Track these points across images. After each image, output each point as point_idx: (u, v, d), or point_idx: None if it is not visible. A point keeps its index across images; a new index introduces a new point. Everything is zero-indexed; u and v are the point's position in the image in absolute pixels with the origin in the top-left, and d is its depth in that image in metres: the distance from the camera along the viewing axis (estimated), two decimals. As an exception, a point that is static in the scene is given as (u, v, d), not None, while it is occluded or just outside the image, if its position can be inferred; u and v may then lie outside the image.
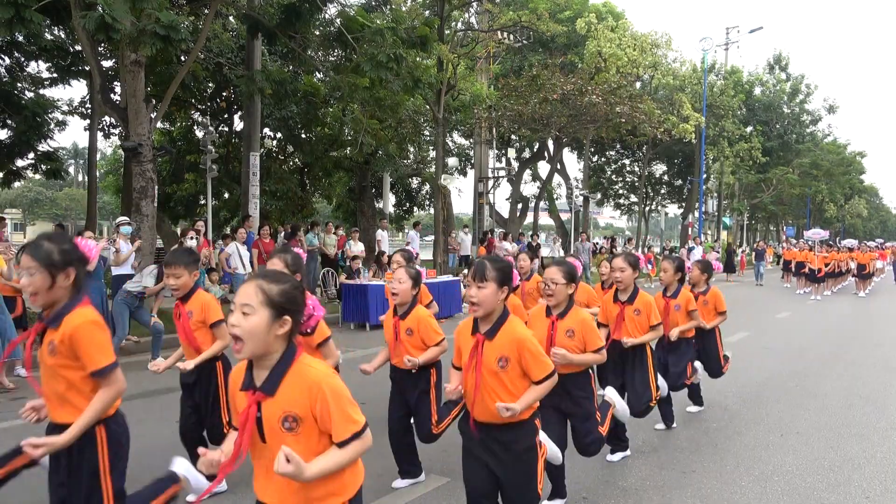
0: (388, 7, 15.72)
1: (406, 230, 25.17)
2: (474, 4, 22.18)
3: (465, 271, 16.74)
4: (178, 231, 18.85)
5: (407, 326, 4.12)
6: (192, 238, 9.62)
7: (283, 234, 14.61)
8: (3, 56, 17.24)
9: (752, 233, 54.89)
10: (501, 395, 2.84)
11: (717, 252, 27.87)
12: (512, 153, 29.99)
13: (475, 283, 2.88)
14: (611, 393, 4.46)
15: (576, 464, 4.77)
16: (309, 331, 3.64)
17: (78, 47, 16.49)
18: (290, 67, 18.48)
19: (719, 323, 6.11)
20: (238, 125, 20.55)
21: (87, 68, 16.57)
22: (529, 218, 37.85)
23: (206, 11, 13.96)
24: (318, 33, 13.99)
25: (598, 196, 43.74)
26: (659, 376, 5.04)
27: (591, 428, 3.90)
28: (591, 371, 3.99)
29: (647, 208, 46.54)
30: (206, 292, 4.24)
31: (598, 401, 4.13)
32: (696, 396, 6.36)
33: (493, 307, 2.88)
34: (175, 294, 4.08)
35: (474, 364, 2.89)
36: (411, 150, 24.94)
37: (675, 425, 5.71)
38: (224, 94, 19.82)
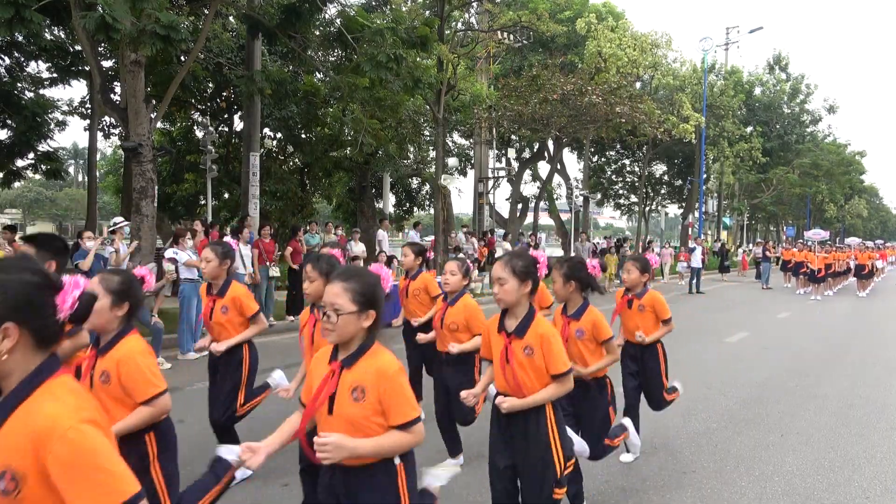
0: (388, 7, 15.74)
1: (406, 230, 25.16)
2: (474, 4, 22.17)
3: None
4: (174, 231, 18.85)
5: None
6: (189, 238, 9.61)
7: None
8: (3, 56, 17.25)
9: (752, 233, 54.86)
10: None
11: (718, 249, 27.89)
12: (512, 153, 30.00)
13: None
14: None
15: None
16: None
17: (78, 47, 16.50)
18: (290, 67, 18.49)
19: (662, 335, 4.81)
20: (238, 125, 20.55)
21: (87, 68, 16.58)
22: (529, 218, 37.86)
23: (206, 11, 13.96)
24: (318, 33, 13.99)
25: (598, 196, 43.73)
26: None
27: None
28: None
29: (647, 208, 46.54)
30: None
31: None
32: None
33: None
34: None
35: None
36: (411, 150, 24.94)
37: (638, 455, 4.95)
38: (224, 94, 19.82)
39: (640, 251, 23.30)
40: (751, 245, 41.41)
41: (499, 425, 3.11)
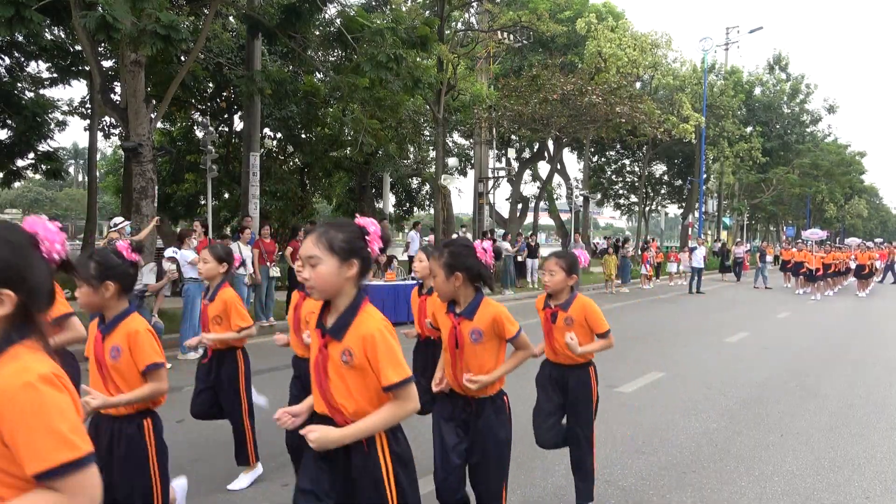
0: (388, 7, 15.74)
1: (406, 230, 25.16)
2: (474, 4, 22.17)
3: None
4: (178, 231, 18.86)
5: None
6: (203, 232, 9.66)
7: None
8: (3, 56, 17.25)
9: (751, 233, 54.88)
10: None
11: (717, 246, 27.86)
12: (512, 153, 29.98)
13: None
14: None
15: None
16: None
17: (78, 47, 16.49)
18: (290, 67, 18.48)
19: (598, 350, 3.73)
20: (238, 125, 20.55)
21: (87, 68, 16.57)
22: (529, 218, 37.86)
23: (206, 11, 13.95)
24: (318, 33, 13.99)
25: (598, 196, 43.76)
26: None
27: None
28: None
29: (647, 208, 46.55)
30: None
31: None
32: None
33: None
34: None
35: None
36: (411, 150, 24.95)
37: None
38: (224, 94, 19.82)
39: (640, 251, 23.26)
40: (748, 244, 41.37)
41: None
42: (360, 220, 2.21)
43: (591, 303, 3.73)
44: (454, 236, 19.65)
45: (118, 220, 10.46)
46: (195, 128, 21.46)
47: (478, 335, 2.97)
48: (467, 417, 3.05)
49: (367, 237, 2.17)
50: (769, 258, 38.12)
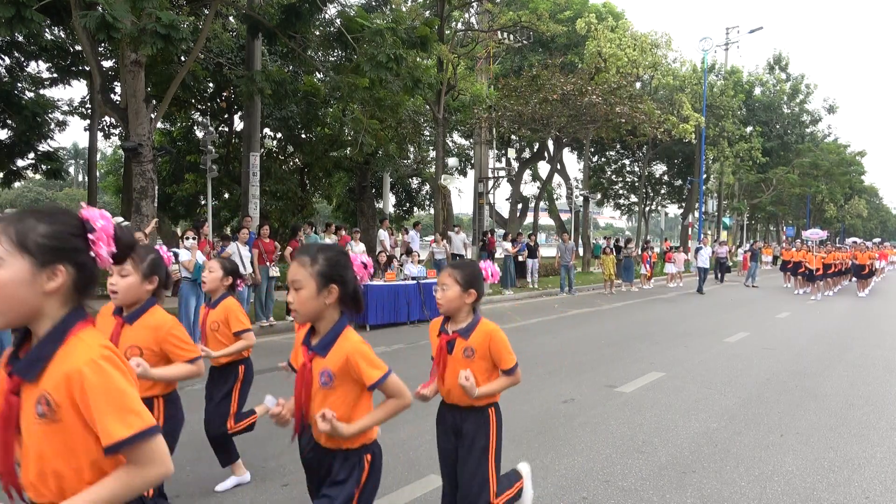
0: (388, 7, 15.75)
1: (406, 230, 25.19)
2: (474, 4, 22.19)
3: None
4: (178, 231, 18.87)
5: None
6: (192, 238, 9.63)
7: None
8: (3, 56, 17.26)
9: (751, 233, 54.92)
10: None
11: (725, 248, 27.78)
12: (512, 153, 30.00)
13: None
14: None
15: (575, 463, 4.78)
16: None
17: (78, 47, 16.50)
18: (290, 67, 18.49)
19: (501, 390, 3.02)
20: (238, 125, 20.57)
21: (87, 68, 16.59)
22: (529, 218, 37.88)
23: (206, 11, 13.96)
24: (318, 33, 14.01)
25: (598, 196, 43.77)
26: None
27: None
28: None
29: (647, 208, 46.56)
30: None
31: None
32: None
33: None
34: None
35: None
36: (411, 150, 24.96)
37: None
38: (224, 94, 19.83)
39: (640, 252, 23.26)
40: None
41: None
42: (86, 211, 1.57)
43: (497, 330, 2.98)
44: (450, 234, 19.67)
45: (118, 219, 10.44)
46: (195, 128, 21.47)
47: (327, 378, 2.29)
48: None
49: (88, 235, 1.53)
50: (767, 258, 38.33)
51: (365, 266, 2.71)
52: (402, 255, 15.88)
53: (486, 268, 3.12)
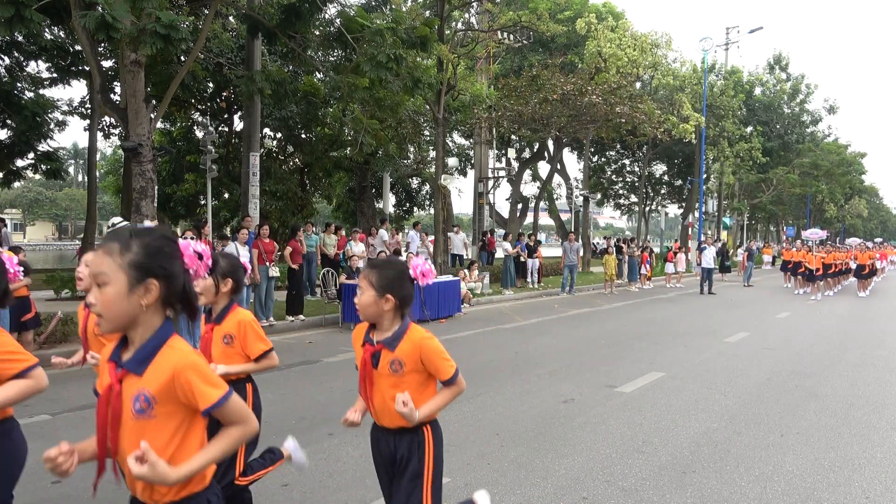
0: (388, 7, 15.73)
1: (406, 230, 25.19)
2: (474, 4, 22.18)
3: (465, 271, 16.73)
4: (178, 231, 18.87)
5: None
6: (191, 238, 9.65)
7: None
8: (3, 56, 17.26)
9: (751, 232, 54.95)
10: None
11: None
12: (512, 153, 30.01)
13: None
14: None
15: (575, 463, 4.77)
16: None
17: (78, 47, 16.50)
18: (290, 67, 18.50)
19: (441, 407, 2.64)
20: (238, 125, 20.57)
21: (87, 68, 16.58)
22: (529, 218, 37.88)
23: (206, 11, 13.96)
24: (318, 33, 14.00)
25: (598, 196, 43.78)
26: None
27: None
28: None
29: (647, 208, 46.56)
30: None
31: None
32: None
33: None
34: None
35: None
36: (411, 150, 24.96)
37: None
38: (224, 94, 19.84)
39: (640, 252, 23.25)
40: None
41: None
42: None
43: (427, 338, 2.56)
44: (450, 234, 19.67)
45: (116, 219, 10.46)
46: (195, 128, 21.47)
47: (144, 403, 1.76)
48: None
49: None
50: (767, 258, 38.36)
51: (200, 257, 2.21)
52: (393, 253, 15.86)
53: (416, 266, 2.63)
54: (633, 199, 44.92)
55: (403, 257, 16.12)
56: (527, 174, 37.56)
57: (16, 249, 8.12)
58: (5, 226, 13.96)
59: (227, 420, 1.84)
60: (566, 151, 36.14)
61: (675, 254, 24.20)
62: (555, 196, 42.09)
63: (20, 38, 16.11)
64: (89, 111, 19.85)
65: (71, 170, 75.30)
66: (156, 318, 1.79)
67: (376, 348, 2.59)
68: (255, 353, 3.32)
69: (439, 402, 2.61)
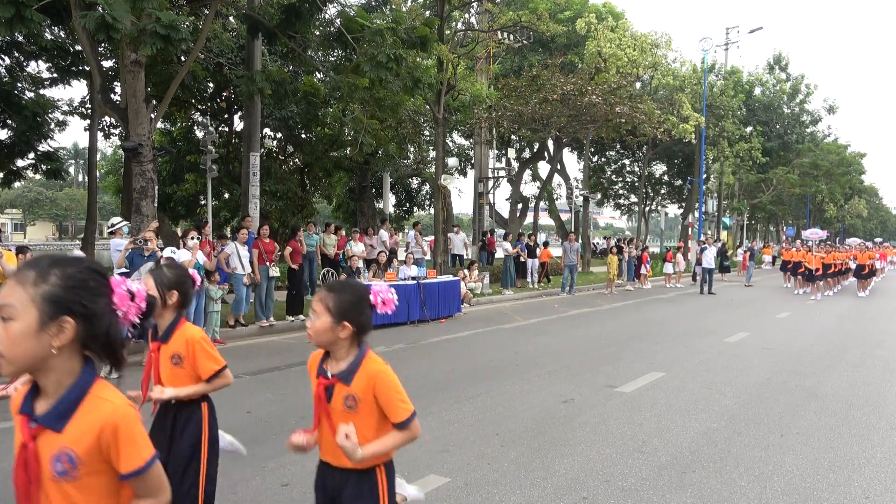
0: (388, 7, 15.74)
1: (406, 230, 25.21)
2: (474, 4, 22.19)
3: (465, 271, 16.74)
4: (179, 231, 18.88)
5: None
6: (195, 238, 9.64)
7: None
8: (3, 56, 17.26)
9: (751, 233, 54.96)
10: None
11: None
12: (512, 153, 30.01)
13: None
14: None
15: (575, 463, 4.78)
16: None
17: (78, 47, 16.50)
18: (290, 67, 18.50)
19: (392, 449, 2.35)
20: (238, 125, 20.56)
21: (87, 68, 16.59)
22: (529, 218, 37.89)
23: (206, 11, 13.97)
24: (318, 33, 14.00)
25: (598, 196, 43.78)
26: None
27: None
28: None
29: (647, 208, 46.57)
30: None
31: None
32: None
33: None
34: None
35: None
36: (411, 150, 24.96)
37: None
38: (224, 94, 19.83)
39: (640, 252, 23.25)
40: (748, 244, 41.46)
41: None
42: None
43: (383, 372, 2.29)
44: (450, 234, 19.67)
45: (116, 220, 10.45)
46: (195, 128, 21.47)
47: (68, 463, 1.51)
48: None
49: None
50: (767, 258, 38.40)
51: (132, 297, 1.98)
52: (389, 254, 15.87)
53: (377, 293, 2.39)
54: (633, 199, 44.92)
55: (402, 257, 16.16)
56: (527, 174, 37.57)
57: (23, 249, 8.10)
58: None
59: (141, 490, 1.58)
60: (566, 151, 36.17)
61: (675, 254, 24.23)
62: (555, 196, 42.09)
63: (20, 38, 16.11)
64: (89, 111, 19.85)
65: (71, 170, 75.31)
66: (73, 362, 1.52)
67: (330, 381, 2.32)
68: (207, 373, 3.01)
69: (388, 444, 2.29)
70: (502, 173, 24.59)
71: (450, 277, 14.21)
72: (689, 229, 35.25)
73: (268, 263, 11.29)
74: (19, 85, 17.68)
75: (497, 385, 7.20)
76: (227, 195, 21.12)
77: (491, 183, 24.01)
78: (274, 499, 4.16)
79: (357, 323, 2.29)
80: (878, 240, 50.91)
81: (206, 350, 3.01)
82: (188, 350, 2.99)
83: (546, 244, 22.69)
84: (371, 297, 2.37)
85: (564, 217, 40.32)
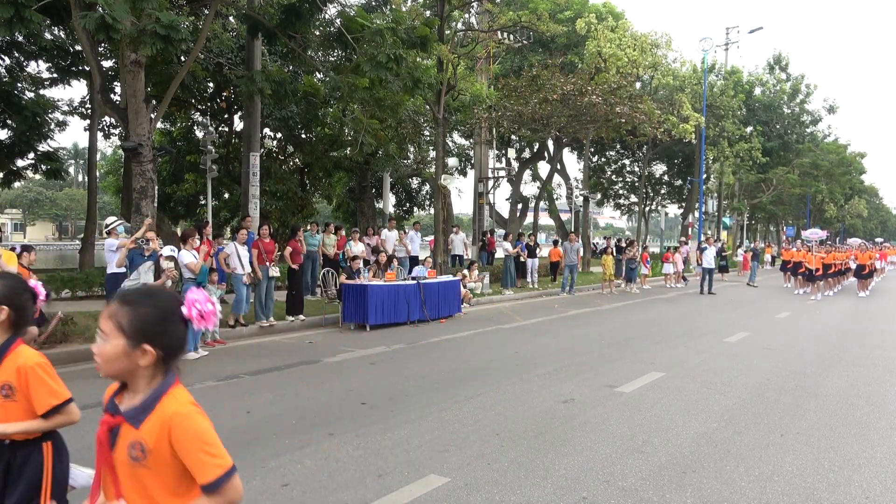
0: (388, 7, 15.73)
1: (406, 230, 25.22)
2: (474, 4, 22.19)
3: (465, 271, 16.73)
4: (179, 232, 18.88)
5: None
6: (197, 239, 9.65)
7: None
8: (3, 56, 17.26)
9: (751, 233, 54.95)
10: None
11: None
12: (512, 153, 30.01)
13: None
14: None
15: (575, 463, 4.78)
16: None
17: (78, 47, 16.50)
18: (290, 67, 18.50)
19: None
20: (238, 125, 20.57)
21: (87, 68, 16.58)
22: (529, 218, 37.87)
23: (206, 11, 13.97)
24: (318, 33, 14.00)
25: (598, 196, 43.76)
26: None
27: None
28: None
29: (647, 208, 46.54)
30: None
31: None
32: None
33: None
34: None
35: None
36: (411, 150, 24.96)
37: None
38: (224, 94, 19.84)
39: (640, 252, 23.23)
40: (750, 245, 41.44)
41: None
42: None
43: (186, 415, 1.73)
44: (451, 236, 19.67)
45: (110, 219, 10.44)
46: (195, 128, 21.48)
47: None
48: None
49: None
50: (767, 258, 38.45)
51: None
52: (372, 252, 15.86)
53: (193, 303, 1.78)
54: (633, 199, 44.89)
55: (401, 254, 16.17)
56: (527, 174, 37.54)
57: (27, 248, 8.08)
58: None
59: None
60: (566, 151, 36.15)
61: (674, 254, 24.25)
62: (555, 196, 42.06)
63: (20, 39, 16.11)
64: (89, 111, 19.85)
65: (71, 170, 75.30)
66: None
67: (115, 420, 1.75)
68: (43, 408, 2.41)
69: None
70: (502, 173, 24.59)
71: (450, 277, 14.21)
72: (689, 229, 35.26)
73: (268, 263, 11.29)
74: (19, 85, 17.67)
75: (497, 385, 7.20)
76: (227, 195, 21.13)
77: (491, 183, 24.00)
78: (274, 499, 4.16)
79: (162, 345, 1.74)
80: (878, 240, 50.90)
81: (43, 380, 2.42)
82: (20, 380, 2.41)
83: (556, 243, 22.77)
84: (184, 310, 1.78)
85: (564, 217, 40.28)
